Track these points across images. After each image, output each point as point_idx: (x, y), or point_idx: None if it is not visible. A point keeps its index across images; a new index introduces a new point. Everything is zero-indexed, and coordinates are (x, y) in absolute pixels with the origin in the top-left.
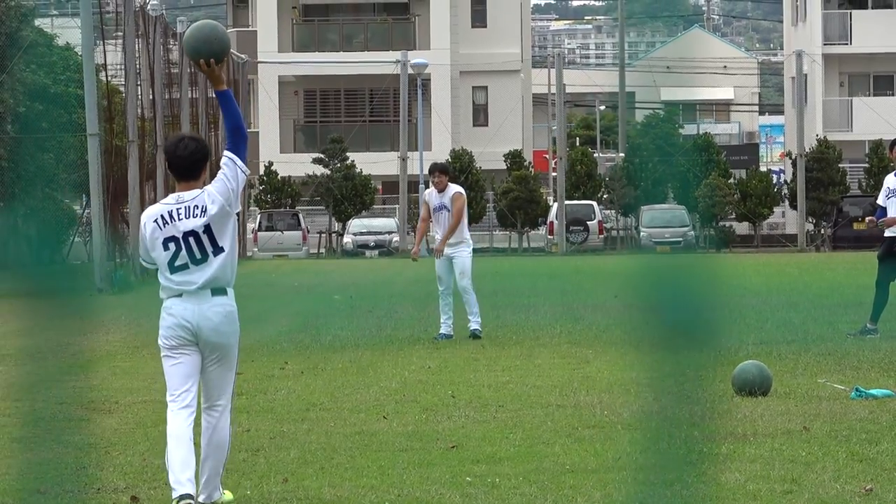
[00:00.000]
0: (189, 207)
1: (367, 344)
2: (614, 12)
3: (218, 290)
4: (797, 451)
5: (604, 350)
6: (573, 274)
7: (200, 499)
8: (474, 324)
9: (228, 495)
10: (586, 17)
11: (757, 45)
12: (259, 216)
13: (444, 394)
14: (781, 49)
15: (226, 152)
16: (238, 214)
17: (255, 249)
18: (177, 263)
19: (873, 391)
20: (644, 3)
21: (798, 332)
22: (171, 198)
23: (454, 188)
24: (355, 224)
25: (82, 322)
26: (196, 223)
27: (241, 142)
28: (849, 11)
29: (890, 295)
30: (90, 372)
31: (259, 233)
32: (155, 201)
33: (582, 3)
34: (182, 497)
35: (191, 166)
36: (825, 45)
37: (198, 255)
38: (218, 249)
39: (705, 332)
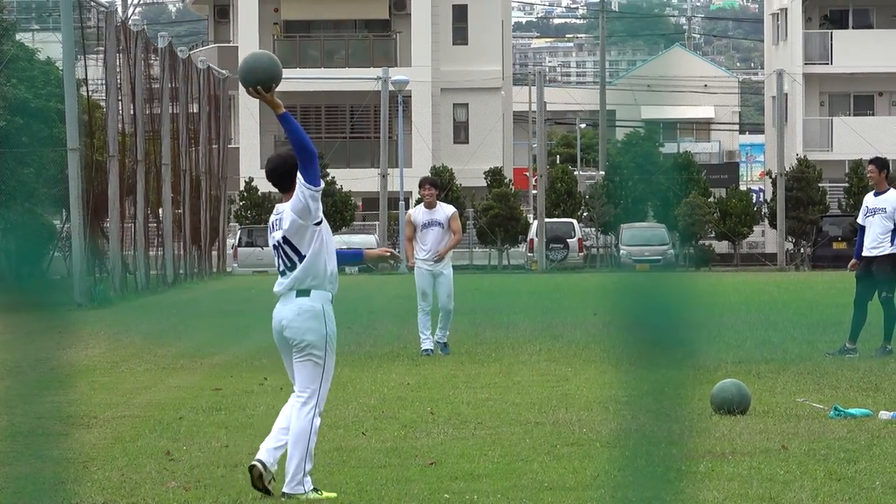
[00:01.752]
0: (280, 220)
1: (346, 360)
2: (595, 30)
3: (302, 292)
4: (775, 469)
5: (583, 368)
6: (553, 291)
7: (283, 489)
8: (443, 337)
9: (321, 496)
10: (567, 35)
11: (738, 64)
12: (239, 232)
13: (422, 410)
14: (762, 68)
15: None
16: (319, 223)
17: (236, 265)
18: (280, 269)
19: (852, 410)
20: (625, 21)
21: (777, 350)
22: (278, 208)
23: (447, 207)
24: (335, 240)
25: (61, 336)
26: (278, 235)
27: (307, 159)
28: (829, 31)
29: (868, 314)
30: (69, 387)
31: (239, 248)
32: (135, 216)
33: (563, 21)
34: (252, 464)
35: (274, 181)
36: (806, 64)
37: (287, 263)
38: (301, 257)
39: (684, 350)
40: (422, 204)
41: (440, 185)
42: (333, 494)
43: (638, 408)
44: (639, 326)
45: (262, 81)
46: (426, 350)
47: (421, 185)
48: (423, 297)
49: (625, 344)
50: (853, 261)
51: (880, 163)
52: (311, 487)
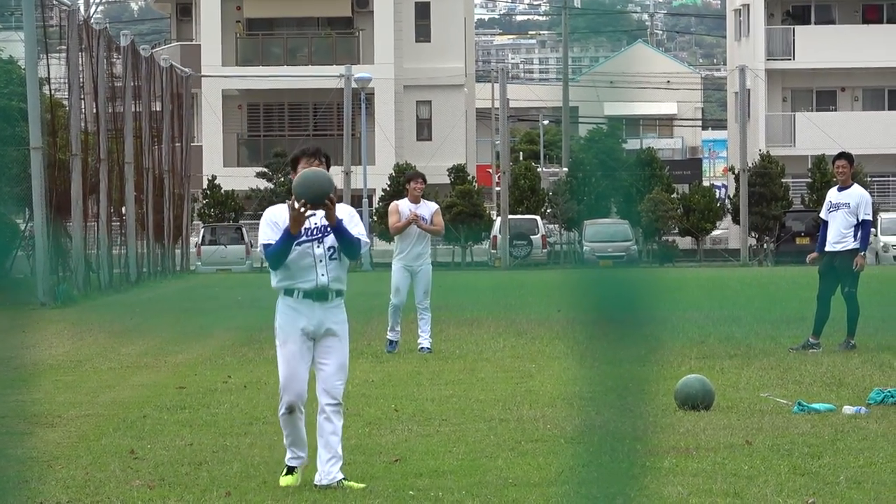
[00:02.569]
0: None
1: None
2: (558, 27)
3: None
4: (739, 464)
5: (547, 364)
6: (516, 288)
7: None
8: (426, 341)
9: (283, 476)
10: (530, 32)
11: (700, 61)
12: (202, 230)
13: (387, 407)
14: (724, 64)
15: None
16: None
17: (199, 263)
18: None
19: (815, 405)
20: (587, 18)
21: (740, 346)
22: None
23: (431, 203)
24: None
25: (25, 335)
26: None
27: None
28: (792, 27)
29: (832, 309)
30: (32, 385)
31: (202, 247)
32: (98, 215)
33: (526, 18)
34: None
35: None
36: (768, 60)
37: None
38: None
39: (648, 346)
40: (406, 198)
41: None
42: (292, 478)
43: (602, 404)
44: (603, 323)
45: (299, 196)
46: (392, 343)
47: (410, 179)
48: (395, 294)
49: (589, 340)
50: (813, 254)
51: (850, 158)
52: (284, 469)
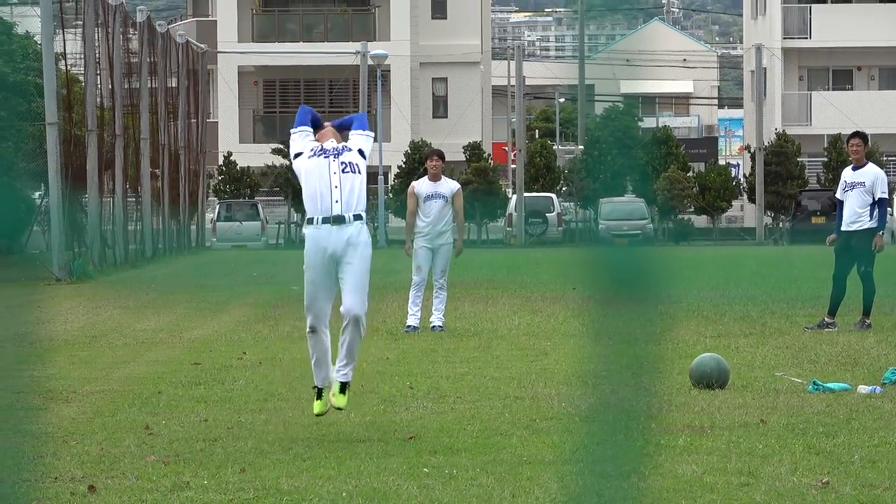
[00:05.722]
0: None
1: None
2: (574, 5)
3: None
4: (754, 443)
5: (562, 342)
6: (532, 266)
7: None
8: (438, 320)
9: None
10: (546, 10)
11: (716, 39)
12: (218, 206)
13: (402, 385)
14: (741, 43)
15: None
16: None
17: (214, 239)
18: None
19: (830, 385)
20: None
21: (756, 325)
22: None
23: (451, 182)
24: None
25: (40, 311)
26: None
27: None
28: (808, 5)
29: (847, 289)
30: (48, 361)
31: (218, 223)
32: (114, 191)
33: None
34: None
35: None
36: (785, 38)
37: None
38: None
39: (663, 324)
40: (426, 177)
41: (445, 157)
42: (320, 404)
43: (617, 382)
44: (618, 301)
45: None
46: (411, 327)
47: (427, 157)
48: (417, 272)
49: (604, 318)
50: (832, 235)
51: (864, 136)
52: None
